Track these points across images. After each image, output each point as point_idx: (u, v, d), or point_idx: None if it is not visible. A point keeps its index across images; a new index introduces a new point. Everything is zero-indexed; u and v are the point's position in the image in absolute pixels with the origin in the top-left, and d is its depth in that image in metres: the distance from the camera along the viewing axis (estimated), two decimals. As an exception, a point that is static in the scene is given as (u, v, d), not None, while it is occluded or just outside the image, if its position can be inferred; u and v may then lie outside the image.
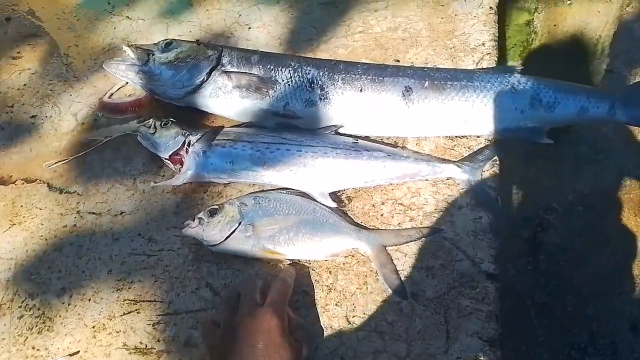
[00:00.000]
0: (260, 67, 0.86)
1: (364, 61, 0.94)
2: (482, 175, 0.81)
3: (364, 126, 0.86)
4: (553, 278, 1.28)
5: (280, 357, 0.60)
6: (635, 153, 1.30)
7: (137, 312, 0.74)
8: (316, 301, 0.73)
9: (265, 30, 1.03)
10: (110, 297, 0.76)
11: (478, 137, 0.86)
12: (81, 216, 0.84)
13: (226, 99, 0.86)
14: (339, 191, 0.82)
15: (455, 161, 0.82)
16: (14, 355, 0.73)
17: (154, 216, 0.82)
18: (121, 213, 0.83)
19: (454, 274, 0.74)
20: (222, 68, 0.87)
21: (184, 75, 0.86)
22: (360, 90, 0.84)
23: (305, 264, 0.76)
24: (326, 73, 0.85)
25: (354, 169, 0.81)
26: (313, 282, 0.75)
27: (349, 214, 0.80)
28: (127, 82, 0.95)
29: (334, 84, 0.85)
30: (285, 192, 0.81)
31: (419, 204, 0.80)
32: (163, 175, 0.86)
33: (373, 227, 0.78)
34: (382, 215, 0.80)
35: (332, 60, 0.91)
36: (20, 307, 0.76)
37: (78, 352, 0.72)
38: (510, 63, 1.49)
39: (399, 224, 0.79)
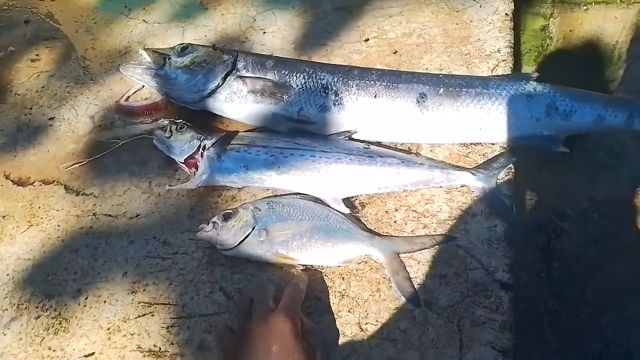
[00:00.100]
0: (275, 72, 0.87)
1: (378, 67, 0.94)
2: (497, 183, 0.81)
3: (378, 132, 0.86)
4: (567, 286, 1.27)
5: (294, 361, 0.61)
6: (652, 160, 1.29)
7: (152, 315, 0.75)
8: (328, 307, 0.73)
9: (280, 35, 1.03)
10: (125, 299, 0.77)
11: (493, 144, 0.85)
12: (97, 218, 0.85)
13: (241, 103, 0.87)
14: (352, 197, 0.82)
15: (469, 169, 0.81)
16: (31, 355, 0.74)
17: (169, 219, 0.83)
18: (137, 215, 0.84)
19: (468, 282, 0.73)
20: (237, 73, 0.87)
21: (200, 80, 0.87)
22: (375, 96, 0.84)
23: (318, 269, 0.77)
24: (340, 79, 0.85)
25: (368, 175, 0.80)
26: (326, 288, 0.75)
27: (362, 220, 0.80)
28: (143, 86, 0.96)
29: (348, 89, 0.85)
30: (298, 197, 0.81)
31: (433, 211, 0.80)
32: (178, 179, 0.87)
33: (386, 234, 0.78)
34: (395, 222, 0.80)
35: (346, 66, 0.91)
36: (37, 307, 0.78)
37: (93, 353, 0.73)
38: (525, 68, 1.48)
39: (413, 231, 0.79)
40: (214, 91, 0.87)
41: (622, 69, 1.38)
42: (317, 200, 0.80)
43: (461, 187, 0.81)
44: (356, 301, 0.74)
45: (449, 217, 0.79)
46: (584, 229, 1.30)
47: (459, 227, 0.78)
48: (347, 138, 0.85)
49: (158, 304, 0.76)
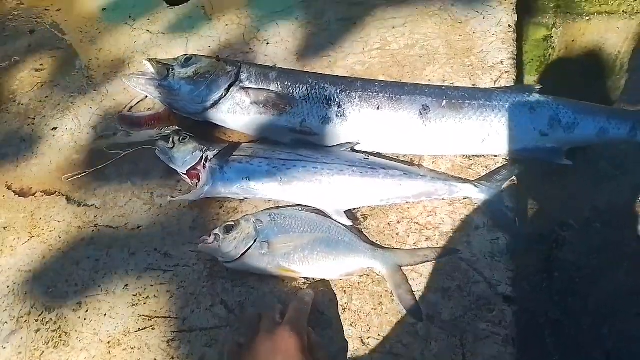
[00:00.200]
0: (278, 83, 0.87)
1: (381, 78, 0.94)
2: (499, 195, 0.80)
3: (380, 144, 0.86)
4: (568, 295, 1.26)
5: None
6: (655, 170, 1.28)
7: (152, 329, 0.75)
8: (330, 321, 0.73)
9: (283, 46, 1.03)
10: (126, 312, 0.76)
11: (496, 156, 0.85)
12: (99, 229, 0.84)
13: (244, 114, 0.87)
14: (354, 209, 0.82)
15: (472, 181, 0.81)
16: (31, 368, 0.74)
17: (171, 231, 0.83)
18: (138, 227, 0.84)
19: (471, 296, 0.73)
20: (241, 84, 0.87)
21: (203, 91, 0.87)
22: (378, 108, 0.84)
23: (320, 282, 0.76)
24: (343, 90, 0.86)
25: (370, 187, 0.80)
26: (327, 301, 0.74)
27: (365, 233, 0.80)
28: (146, 96, 0.97)
29: (351, 101, 0.85)
30: (300, 209, 0.81)
31: (435, 224, 0.80)
32: (180, 190, 0.87)
33: (388, 247, 0.78)
34: (397, 234, 0.80)
35: (349, 77, 0.91)
36: (37, 320, 0.77)
37: (93, 366, 0.73)
38: (527, 78, 1.48)
39: (415, 243, 0.78)
40: (217, 102, 0.87)
41: (624, 79, 1.38)
42: (319, 212, 0.80)
43: (464, 199, 0.81)
44: (358, 315, 0.73)
45: (452, 229, 0.79)
46: (586, 239, 1.30)
47: (461, 240, 0.78)
48: (349, 149, 0.85)
49: (159, 317, 0.75)
